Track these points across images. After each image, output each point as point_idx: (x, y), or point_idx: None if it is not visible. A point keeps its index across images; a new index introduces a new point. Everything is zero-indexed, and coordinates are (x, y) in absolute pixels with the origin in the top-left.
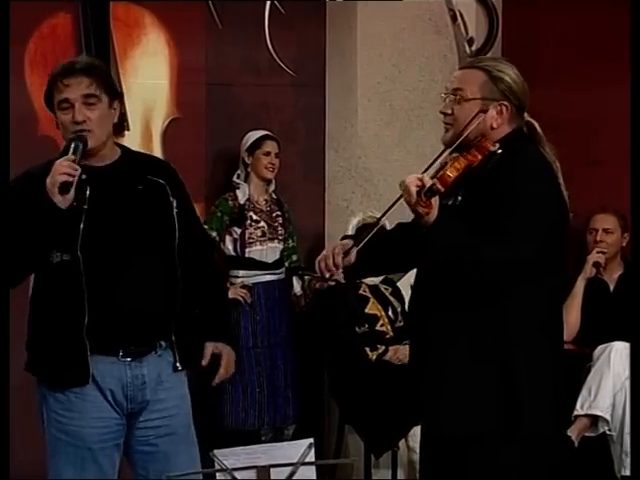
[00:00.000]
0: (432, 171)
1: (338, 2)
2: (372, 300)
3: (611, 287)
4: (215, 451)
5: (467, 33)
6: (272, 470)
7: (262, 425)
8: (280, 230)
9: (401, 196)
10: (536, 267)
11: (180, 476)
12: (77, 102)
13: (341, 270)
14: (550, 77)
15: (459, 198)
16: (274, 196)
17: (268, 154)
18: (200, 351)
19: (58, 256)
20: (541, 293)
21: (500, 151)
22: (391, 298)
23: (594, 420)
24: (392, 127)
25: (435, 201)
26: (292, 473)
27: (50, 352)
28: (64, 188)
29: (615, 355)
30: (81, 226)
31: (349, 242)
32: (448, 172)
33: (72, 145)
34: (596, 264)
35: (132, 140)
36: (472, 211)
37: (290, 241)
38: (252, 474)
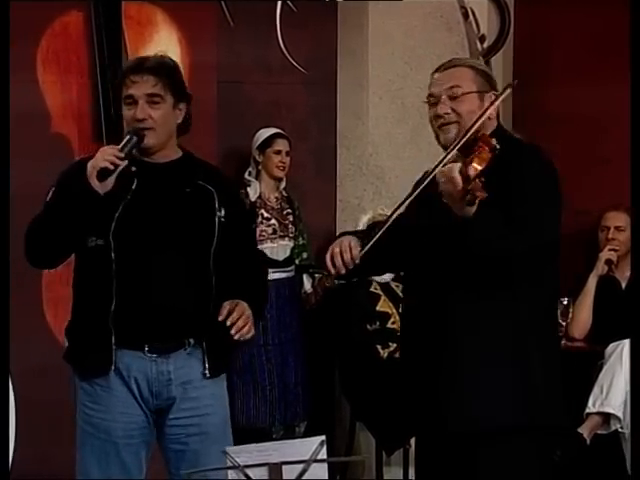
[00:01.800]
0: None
1: (349, 1)
2: (383, 298)
3: (623, 285)
4: (227, 448)
5: (479, 30)
6: (284, 467)
7: (273, 422)
8: (291, 228)
9: (409, 196)
10: (543, 257)
11: (194, 473)
12: (141, 100)
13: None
14: (562, 74)
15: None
16: (285, 194)
17: (279, 152)
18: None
19: (93, 240)
20: (548, 287)
21: (499, 146)
22: (402, 296)
23: (606, 418)
24: (403, 125)
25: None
26: (304, 470)
27: (79, 338)
28: (102, 174)
29: (627, 353)
30: (117, 214)
31: (356, 238)
32: (475, 165)
33: (126, 138)
34: (608, 262)
35: None
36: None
37: (301, 239)
38: (264, 471)
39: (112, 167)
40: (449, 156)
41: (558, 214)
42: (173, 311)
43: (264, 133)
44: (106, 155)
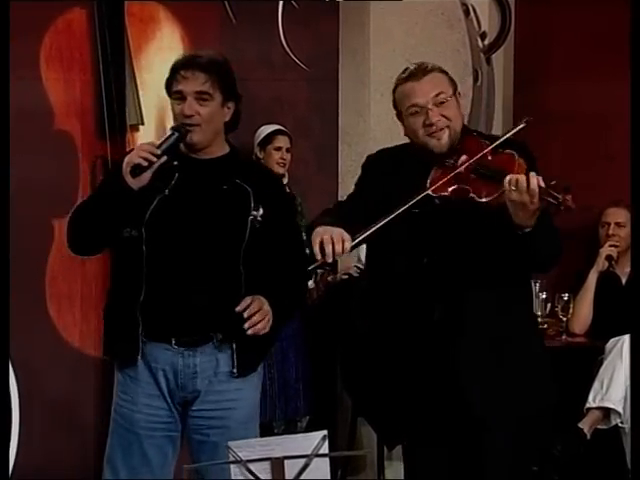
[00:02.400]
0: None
1: None
2: None
3: (623, 280)
4: (230, 443)
5: (480, 28)
6: (286, 462)
7: (274, 417)
8: None
9: (418, 197)
10: None
11: (195, 467)
12: (189, 96)
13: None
14: (563, 72)
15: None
16: (287, 190)
17: (279, 149)
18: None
19: (128, 231)
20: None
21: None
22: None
23: (606, 413)
24: None
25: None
26: (306, 465)
27: (110, 326)
28: (135, 170)
29: (627, 348)
30: (152, 207)
31: (341, 229)
32: (520, 168)
33: (167, 134)
34: (608, 257)
35: (146, 135)
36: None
37: (303, 234)
38: (266, 466)
39: (145, 163)
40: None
41: None
42: (201, 305)
43: (265, 130)
44: (141, 151)
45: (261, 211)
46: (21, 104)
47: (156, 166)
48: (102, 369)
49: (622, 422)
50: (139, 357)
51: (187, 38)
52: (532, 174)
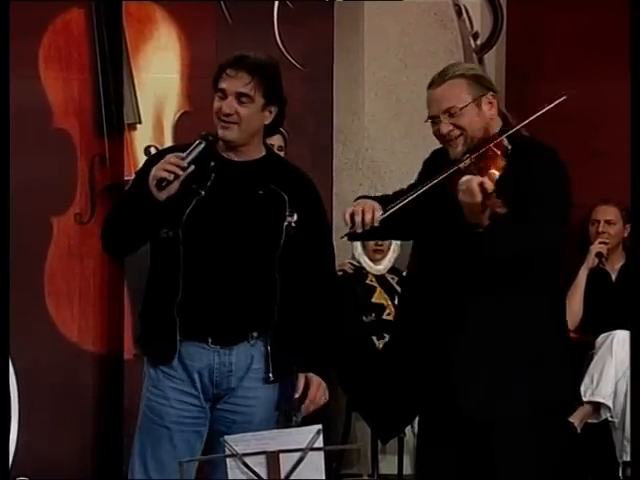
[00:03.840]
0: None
1: None
2: (379, 289)
3: (613, 277)
4: (225, 437)
5: (472, 28)
6: (281, 455)
7: None
8: None
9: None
10: (559, 250)
11: (191, 461)
12: (230, 95)
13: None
14: (554, 71)
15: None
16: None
17: (271, 147)
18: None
19: (165, 232)
20: (557, 280)
21: (510, 147)
22: (397, 287)
23: (596, 407)
24: (398, 120)
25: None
26: (301, 458)
27: (146, 325)
28: (160, 184)
29: (617, 343)
30: (189, 208)
31: (375, 202)
32: (493, 170)
33: (195, 142)
34: (598, 254)
35: (144, 133)
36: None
37: None
38: (262, 459)
39: (172, 177)
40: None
41: (567, 212)
42: (237, 306)
43: None
44: (168, 164)
45: (295, 217)
46: (20, 103)
47: (183, 177)
48: (100, 364)
49: (612, 416)
50: (175, 357)
51: (184, 38)
52: (473, 177)
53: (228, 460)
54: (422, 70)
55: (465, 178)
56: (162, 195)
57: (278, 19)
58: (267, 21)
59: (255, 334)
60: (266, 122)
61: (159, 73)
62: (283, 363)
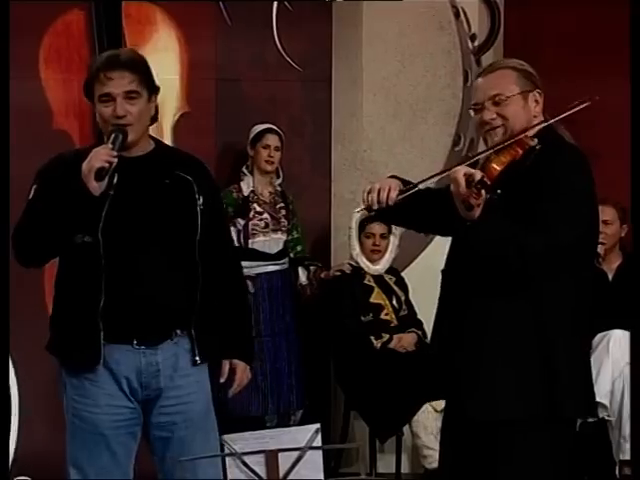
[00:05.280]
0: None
1: (344, 0)
2: (377, 290)
3: (610, 277)
4: (224, 436)
5: (470, 29)
6: (280, 454)
7: (266, 411)
8: (283, 222)
9: (446, 170)
10: (573, 255)
11: (191, 460)
12: (119, 97)
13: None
14: (551, 72)
15: (498, 192)
16: (279, 188)
17: (267, 147)
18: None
19: (80, 237)
20: (575, 282)
21: (539, 146)
22: (395, 287)
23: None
24: (397, 121)
25: (484, 193)
26: (299, 457)
27: (66, 333)
28: (99, 175)
29: (614, 343)
30: (104, 211)
31: (399, 182)
32: (494, 165)
33: (112, 136)
34: (595, 254)
35: None
36: (512, 205)
37: (295, 232)
38: (260, 458)
39: (108, 165)
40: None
41: (586, 215)
42: (162, 304)
43: (256, 128)
44: (101, 155)
45: (202, 199)
46: (20, 104)
47: (113, 167)
48: None
49: (608, 415)
50: (101, 362)
51: (183, 39)
52: (461, 166)
53: (227, 459)
54: (420, 71)
55: (456, 168)
56: (98, 188)
57: (277, 21)
58: (266, 23)
59: (178, 331)
60: (152, 114)
61: (158, 74)
62: (208, 345)
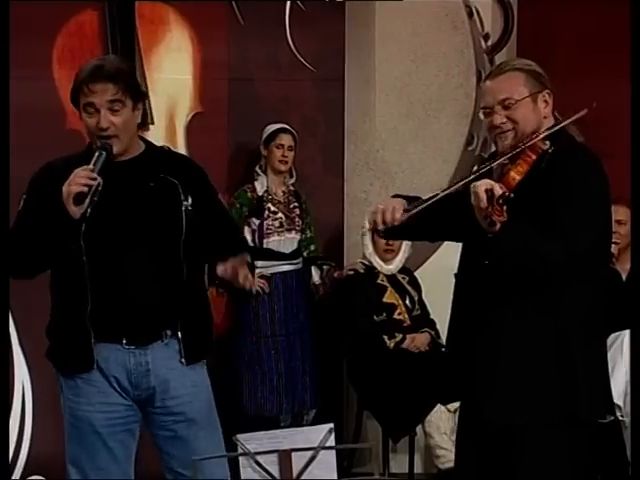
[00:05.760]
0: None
1: (357, 0)
2: (390, 289)
3: (623, 277)
4: (238, 436)
5: (483, 29)
6: (293, 454)
7: (280, 411)
8: (297, 221)
9: (451, 186)
10: (589, 259)
11: (204, 459)
12: (102, 108)
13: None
14: (565, 72)
15: (511, 196)
16: (292, 188)
17: (281, 147)
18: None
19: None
20: (591, 283)
21: (551, 149)
22: (408, 287)
23: None
24: (409, 121)
25: (505, 209)
26: (313, 457)
27: (59, 338)
28: (78, 199)
29: (628, 343)
30: (86, 216)
31: (404, 201)
32: (513, 174)
33: (95, 154)
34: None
35: (156, 134)
36: (526, 208)
37: (308, 232)
38: (274, 458)
39: (87, 189)
40: (499, 161)
41: (601, 220)
42: (148, 304)
43: (270, 128)
44: (80, 179)
45: (190, 200)
46: (34, 104)
47: (94, 189)
48: None
49: (622, 415)
50: (94, 365)
51: (196, 39)
52: (485, 180)
53: (240, 459)
54: (433, 71)
55: (477, 182)
56: (77, 211)
57: (290, 21)
58: (279, 22)
59: (169, 332)
60: (138, 121)
61: (171, 74)
62: (195, 346)
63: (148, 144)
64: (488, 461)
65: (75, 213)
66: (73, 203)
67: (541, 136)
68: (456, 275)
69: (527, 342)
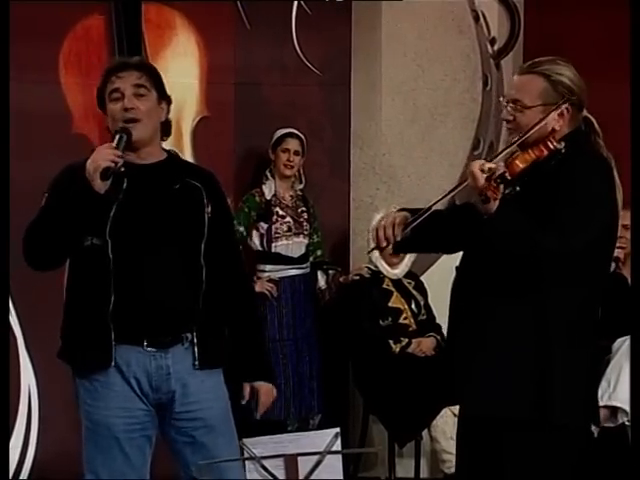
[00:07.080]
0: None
1: (363, 3)
2: (395, 294)
3: (630, 281)
4: (244, 440)
5: (489, 33)
6: (299, 458)
7: (288, 415)
8: (305, 225)
9: (462, 183)
10: (584, 262)
11: (208, 464)
12: (127, 91)
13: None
14: None
15: (517, 189)
16: (300, 192)
17: (286, 151)
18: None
19: (89, 240)
20: (585, 290)
21: (564, 150)
22: (414, 292)
23: (613, 411)
24: (415, 125)
25: (502, 188)
26: (319, 462)
27: (77, 336)
28: (105, 174)
29: None
30: (111, 213)
31: (408, 215)
32: (517, 162)
33: (116, 137)
34: (615, 259)
35: None
36: (529, 203)
37: (315, 236)
38: (280, 462)
39: (113, 165)
40: (501, 155)
41: (601, 221)
42: (169, 306)
43: (278, 133)
44: (106, 155)
45: (210, 207)
46: (40, 108)
47: (119, 167)
48: None
49: (629, 420)
50: (112, 363)
51: (202, 43)
52: (477, 160)
53: (247, 463)
54: (439, 75)
55: (471, 162)
56: (103, 187)
57: (296, 25)
58: (285, 26)
59: (189, 336)
60: (162, 119)
61: (178, 78)
62: (211, 350)
63: (170, 153)
64: (482, 461)
65: (100, 188)
66: (100, 178)
67: (560, 134)
68: (457, 268)
69: (508, 335)
